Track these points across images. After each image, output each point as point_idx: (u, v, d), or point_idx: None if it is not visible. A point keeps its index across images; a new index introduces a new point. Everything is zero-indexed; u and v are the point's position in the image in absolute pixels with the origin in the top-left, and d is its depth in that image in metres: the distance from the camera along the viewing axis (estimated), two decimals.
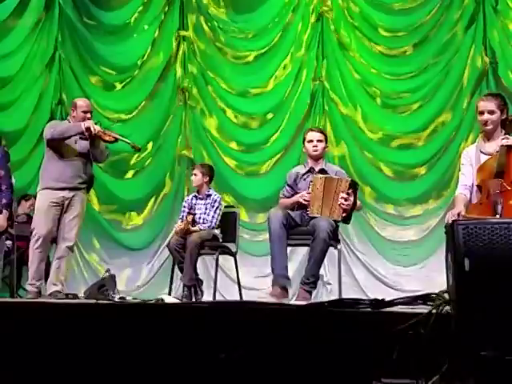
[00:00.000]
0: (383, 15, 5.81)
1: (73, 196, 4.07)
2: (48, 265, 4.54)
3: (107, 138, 4.16)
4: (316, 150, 3.88)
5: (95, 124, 4.16)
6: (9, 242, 4.56)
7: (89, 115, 4.19)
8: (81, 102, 4.24)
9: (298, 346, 2.09)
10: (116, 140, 4.22)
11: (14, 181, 4.28)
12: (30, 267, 3.98)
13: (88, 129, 4.04)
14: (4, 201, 3.85)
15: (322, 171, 3.88)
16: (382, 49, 5.82)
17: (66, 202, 4.05)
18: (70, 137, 4.04)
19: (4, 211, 3.84)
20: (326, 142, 3.96)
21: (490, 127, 3.21)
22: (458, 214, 3.01)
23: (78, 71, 6.53)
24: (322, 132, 4.01)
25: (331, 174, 3.83)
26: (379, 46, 5.82)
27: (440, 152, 5.58)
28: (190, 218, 4.32)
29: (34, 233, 3.99)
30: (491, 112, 3.20)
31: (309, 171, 3.91)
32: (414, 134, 5.69)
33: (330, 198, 3.67)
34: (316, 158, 3.90)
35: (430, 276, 4.97)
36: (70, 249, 4.11)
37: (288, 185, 3.96)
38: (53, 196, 4.01)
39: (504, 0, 5.42)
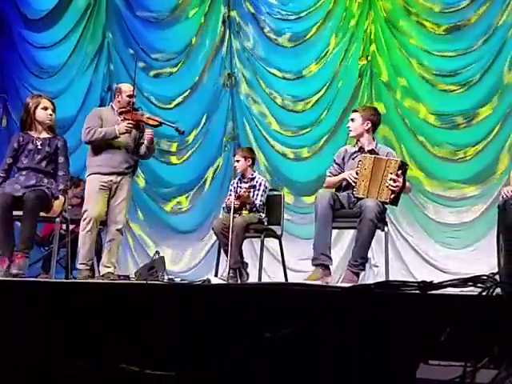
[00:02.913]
0: None
1: (120, 180, 4.17)
2: (99, 247, 4.69)
3: (151, 123, 4.22)
4: (350, 132, 3.84)
5: (137, 110, 4.23)
6: (63, 226, 4.72)
7: (133, 100, 4.26)
8: (125, 87, 4.31)
9: (343, 328, 2.08)
10: (160, 124, 4.28)
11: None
12: (81, 248, 4.12)
13: (123, 133, 4.12)
14: (61, 186, 3.98)
15: (372, 152, 3.81)
16: (431, 26, 5.63)
17: (114, 186, 4.15)
18: (106, 140, 4.12)
19: (60, 197, 3.97)
20: (366, 121, 3.82)
21: None
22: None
23: (125, 58, 6.65)
24: (356, 111, 3.90)
25: (382, 155, 3.77)
26: (429, 23, 5.63)
27: (492, 132, 5.38)
28: (246, 193, 4.35)
29: (84, 215, 4.12)
30: None
31: (358, 150, 3.86)
32: (465, 114, 5.50)
33: (379, 178, 3.61)
34: (357, 139, 3.85)
35: (480, 259, 4.84)
36: (120, 231, 4.22)
37: (336, 163, 3.92)
38: (102, 180, 4.12)
39: None
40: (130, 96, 4.24)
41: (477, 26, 5.46)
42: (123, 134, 4.12)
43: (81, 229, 4.14)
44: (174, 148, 6.55)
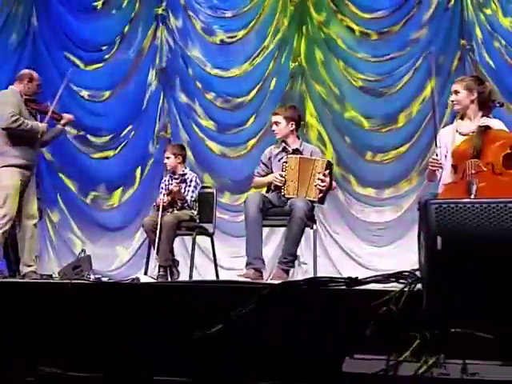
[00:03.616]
0: None
1: (31, 173, 4.07)
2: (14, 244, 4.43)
3: (56, 116, 4.34)
4: (277, 133, 3.88)
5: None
6: None
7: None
8: (36, 75, 4.23)
9: (272, 324, 2.11)
10: (61, 118, 4.32)
11: None
12: None
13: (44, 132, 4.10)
14: None
15: (297, 151, 3.87)
16: (361, 30, 5.80)
17: (27, 180, 4.03)
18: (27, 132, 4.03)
19: None
20: (291, 121, 3.86)
21: (457, 107, 3.32)
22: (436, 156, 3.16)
23: (51, 47, 6.40)
24: (278, 113, 3.92)
25: (306, 154, 3.84)
26: (358, 26, 5.80)
27: (415, 134, 5.62)
28: (176, 187, 4.32)
29: (3, 213, 3.90)
30: (456, 92, 3.30)
31: (283, 151, 3.91)
32: (390, 117, 5.71)
33: (306, 178, 3.68)
34: (283, 139, 3.89)
35: (403, 256, 5.05)
36: (36, 225, 4.09)
37: (263, 163, 3.96)
38: (22, 174, 3.96)
39: None
40: (39, 86, 4.14)
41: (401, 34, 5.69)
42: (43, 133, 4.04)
43: None
44: (104, 143, 6.38)
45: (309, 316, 2.08)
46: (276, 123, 3.87)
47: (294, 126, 3.88)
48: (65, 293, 2.44)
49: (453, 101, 3.33)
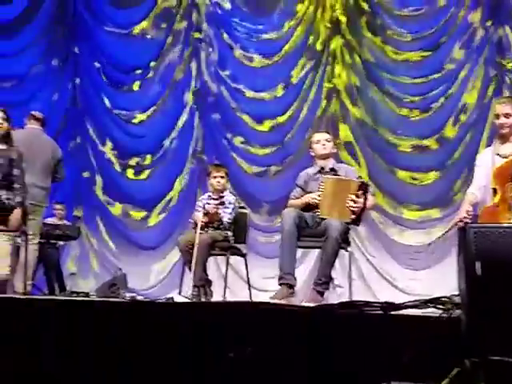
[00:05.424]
0: (394, 20, 5.81)
1: None
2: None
3: None
4: (325, 148, 3.90)
5: None
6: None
7: None
8: None
9: (307, 347, 2.09)
10: None
11: None
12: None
13: None
14: (18, 199, 3.88)
15: (332, 170, 3.88)
16: (393, 52, 5.80)
17: None
18: None
19: (17, 209, 3.86)
20: (334, 144, 4.01)
21: (506, 130, 3.26)
22: (467, 212, 3.03)
23: (91, 71, 6.60)
24: (328, 133, 4.07)
25: (341, 174, 3.83)
26: (391, 48, 5.80)
27: (454, 156, 5.54)
28: (214, 209, 4.32)
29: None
30: (507, 115, 3.22)
31: (319, 171, 3.91)
32: (427, 138, 5.65)
33: (340, 199, 3.65)
34: (325, 157, 3.91)
35: (441, 280, 4.93)
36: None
37: (298, 186, 3.96)
38: None
39: None
40: None
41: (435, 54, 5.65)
42: None
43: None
44: (140, 163, 6.50)
45: (343, 341, 2.05)
46: (327, 140, 3.91)
47: (335, 149, 3.98)
48: (101, 311, 2.47)
49: (503, 124, 3.24)
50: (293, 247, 3.54)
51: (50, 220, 6.01)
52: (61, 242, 6.06)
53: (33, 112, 4.92)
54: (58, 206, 6.23)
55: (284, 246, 3.54)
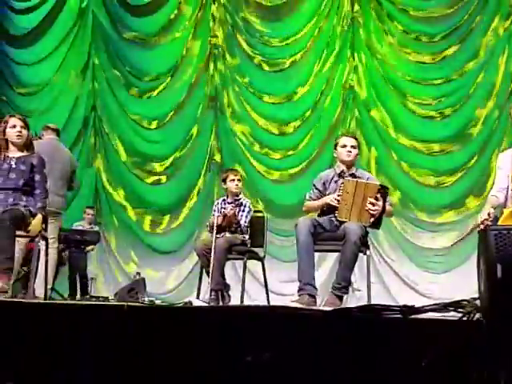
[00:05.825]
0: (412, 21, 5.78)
1: None
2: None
3: None
4: (349, 156, 3.83)
5: None
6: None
7: None
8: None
9: (325, 352, 2.07)
10: None
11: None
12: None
13: None
14: (39, 204, 3.93)
15: (353, 176, 3.84)
16: (412, 54, 5.76)
17: None
18: None
19: (38, 215, 3.91)
20: (359, 149, 3.94)
21: None
22: (489, 214, 2.98)
23: (111, 78, 6.66)
24: (356, 138, 3.96)
25: (363, 180, 3.79)
26: (410, 51, 5.76)
27: (473, 159, 5.48)
28: (232, 211, 4.32)
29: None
30: None
31: (339, 175, 3.87)
32: (445, 141, 5.60)
33: (359, 202, 3.62)
34: (348, 164, 3.86)
35: (461, 283, 4.87)
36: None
37: (315, 187, 3.92)
38: None
39: None
40: None
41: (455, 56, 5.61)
42: None
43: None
44: (157, 168, 6.55)
45: (362, 345, 2.03)
46: (353, 146, 3.86)
47: (358, 155, 3.97)
48: (120, 315, 2.49)
49: None
50: (310, 257, 3.51)
51: (78, 224, 6.11)
52: (88, 248, 6.15)
53: (48, 124, 5.06)
54: (88, 211, 6.31)
55: (301, 257, 3.51)
